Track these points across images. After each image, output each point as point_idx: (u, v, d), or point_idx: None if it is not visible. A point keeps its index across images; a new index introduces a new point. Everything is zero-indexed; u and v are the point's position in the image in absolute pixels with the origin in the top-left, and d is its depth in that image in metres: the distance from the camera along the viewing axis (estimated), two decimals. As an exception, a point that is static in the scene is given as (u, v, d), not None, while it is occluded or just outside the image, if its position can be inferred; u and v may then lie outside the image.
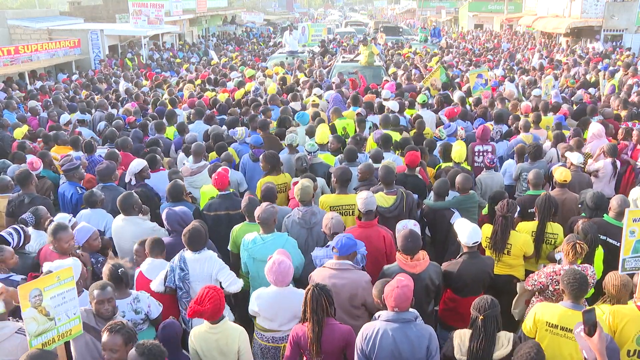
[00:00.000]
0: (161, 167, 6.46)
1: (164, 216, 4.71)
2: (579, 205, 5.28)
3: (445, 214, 5.20)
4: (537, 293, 4.29)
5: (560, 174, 5.55)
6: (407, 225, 4.56)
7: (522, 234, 4.81)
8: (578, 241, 4.04)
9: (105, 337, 3.09)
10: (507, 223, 4.67)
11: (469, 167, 6.65)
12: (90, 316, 3.48)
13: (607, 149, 6.60)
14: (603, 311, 3.50)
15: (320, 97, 10.05)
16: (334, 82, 11.61)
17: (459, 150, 6.30)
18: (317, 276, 3.98)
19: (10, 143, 8.05)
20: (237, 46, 28.53)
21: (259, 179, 6.05)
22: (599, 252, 4.52)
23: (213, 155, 7.05)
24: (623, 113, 9.02)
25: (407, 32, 31.54)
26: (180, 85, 13.49)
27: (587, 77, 13.97)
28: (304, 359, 3.62)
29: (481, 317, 3.23)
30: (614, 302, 3.71)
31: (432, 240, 5.58)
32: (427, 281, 3.99)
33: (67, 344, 3.43)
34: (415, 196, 5.44)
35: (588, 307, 3.20)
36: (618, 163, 6.65)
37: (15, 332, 3.32)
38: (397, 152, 6.88)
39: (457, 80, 12.99)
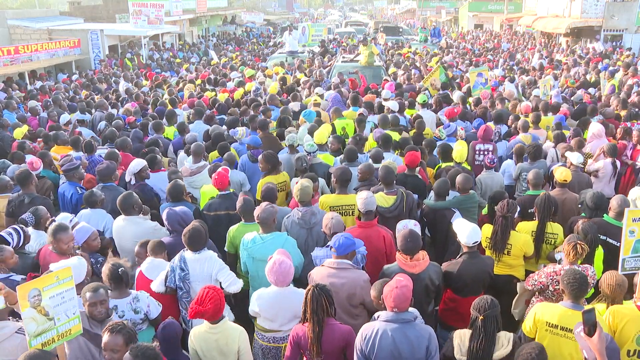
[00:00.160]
0: (161, 168, 6.46)
1: (164, 216, 4.71)
2: (579, 206, 5.28)
3: (445, 214, 5.20)
4: (537, 293, 4.29)
5: (561, 173, 5.55)
6: (407, 225, 4.56)
7: (522, 234, 4.81)
8: (579, 242, 4.04)
9: (106, 337, 3.08)
10: (507, 223, 4.67)
11: (469, 167, 6.65)
12: (83, 318, 3.47)
13: (607, 149, 6.61)
14: (597, 310, 3.49)
15: (321, 97, 10.05)
16: (334, 82, 11.61)
17: (460, 150, 6.30)
18: (316, 275, 3.99)
19: (10, 143, 8.05)
20: (237, 46, 28.53)
21: (258, 179, 6.05)
22: (599, 252, 4.52)
23: (214, 155, 7.05)
24: (623, 113, 9.02)
25: (407, 32, 31.54)
26: (180, 85, 13.49)
27: (587, 77, 13.97)
28: (304, 359, 3.62)
29: (481, 317, 3.23)
30: (609, 301, 3.71)
31: (432, 240, 5.58)
32: (426, 281, 3.99)
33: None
34: (415, 196, 5.44)
35: (588, 307, 3.20)
36: (618, 163, 6.66)
37: (15, 332, 3.33)
38: (396, 152, 6.88)
39: (457, 80, 12.98)
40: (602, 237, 4.69)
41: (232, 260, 4.82)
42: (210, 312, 3.37)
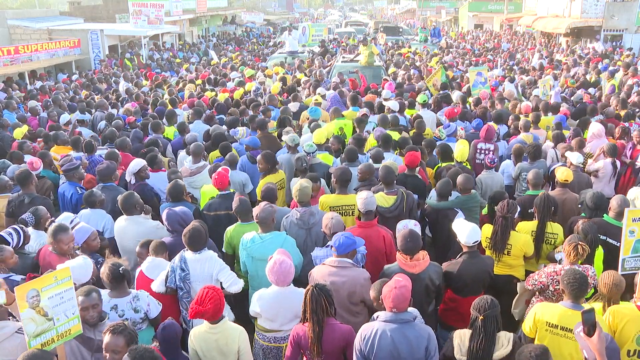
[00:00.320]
0: (162, 167, 6.46)
1: (164, 216, 4.71)
2: (579, 206, 5.28)
3: (448, 214, 5.19)
4: (537, 293, 4.29)
5: (562, 173, 5.54)
6: (408, 225, 4.56)
7: (522, 235, 4.81)
8: (580, 242, 4.03)
9: (107, 338, 3.08)
10: (507, 223, 4.67)
11: (469, 166, 6.65)
12: None
13: (607, 148, 6.60)
14: (593, 307, 3.49)
15: (324, 97, 10.06)
16: (334, 82, 11.62)
17: (461, 149, 6.31)
18: (317, 274, 3.99)
19: (10, 143, 8.05)
20: (237, 46, 28.53)
21: (258, 179, 6.05)
22: (599, 252, 4.52)
23: (214, 155, 7.05)
24: (623, 113, 9.02)
25: (407, 32, 31.55)
26: (180, 85, 13.49)
27: (587, 77, 13.97)
28: (304, 359, 3.62)
29: (481, 317, 3.23)
30: (605, 300, 3.71)
31: (433, 240, 5.58)
32: (427, 281, 3.99)
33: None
34: (415, 196, 5.44)
35: (587, 307, 3.20)
36: (618, 163, 6.65)
37: (16, 332, 3.32)
38: (396, 151, 6.88)
39: (458, 80, 12.98)
40: (602, 237, 4.68)
41: (229, 261, 4.81)
42: (210, 312, 3.37)
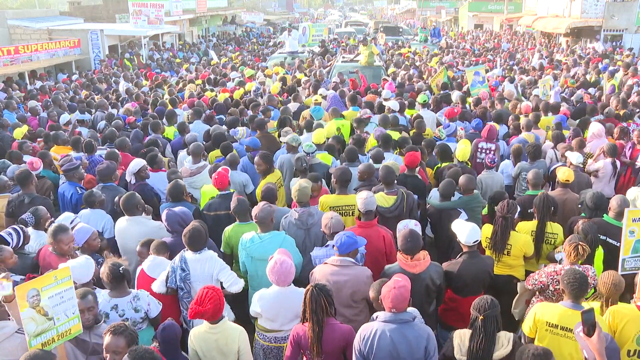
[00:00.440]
0: (162, 167, 6.46)
1: (163, 217, 4.70)
2: (579, 206, 5.28)
3: (452, 214, 5.19)
4: (537, 293, 4.29)
5: (563, 173, 5.54)
6: (408, 225, 4.56)
7: (522, 235, 4.80)
8: (580, 242, 4.03)
9: (108, 339, 3.08)
10: (507, 224, 4.67)
11: (470, 165, 6.66)
12: None
13: (607, 148, 6.60)
14: (592, 307, 3.48)
15: (325, 97, 10.06)
16: (334, 82, 11.62)
17: (463, 149, 6.31)
18: (319, 273, 4.00)
19: (10, 143, 8.05)
20: (237, 46, 28.53)
21: (258, 180, 6.05)
22: (599, 253, 4.51)
23: (213, 154, 7.05)
24: (622, 113, 9.02)
25: (407, 32, 31.55)
26: (181, 85, 13.49)
27: (587, 77, 13.97)
28: (304, 359, 3.62)
29: (481, 317, 3.23)
30: (603, 300, 3.72)
31: (436, 241, 5.58)
32: (427, 281, 3.99)
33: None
34: (415, 197, 5.44)
35: (587, 308, 3.20)
36: (618, 163, 6.65)
37: (16, 331, 3.32)
38: (396, 151, 6.88)
39: (459, 80, 12.98)
40: (601, 237, 4.68)
41: (228, 261, 4.81)
42: (210, 312, 3.37)
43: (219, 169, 5.40)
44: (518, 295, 4.53)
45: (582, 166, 6.33)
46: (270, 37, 33.30)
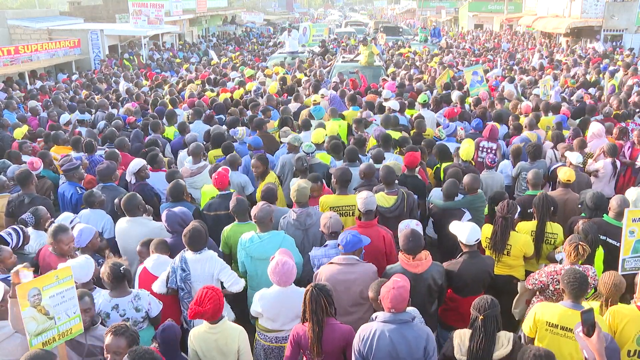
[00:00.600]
0: (162, 167, 6.45)
1: (163, 217, 4.70)
2: (579, 206, 5.28)
3: (456, 214, 5.19)
4: (537, 293, 4.29)
5: (565, 173, 5.54)
6: (410, 225, 4.56)
7: (522, 235, 4.80)
8: (580, 242, 4.03)
9: (109, 339, 3.08)
10: (507, 224, 4.67)
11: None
12: None
13: (607, 148, 6.60)
14: (592, 307, 3.49)
15: (325, 97, 10.05)
16: (334, 82, 11.62)
17: (467, 148, 6.32)
18: (326, 273, 4.00)
19: (10, 143, 8.05)
20: (237, 46, 28.52)
21: (257, 182, 6.04)
22: (599, 253, 4.51)
23: (212, 153, 7.05)
24: (621, 112, 9.02)
25: (407, 32, 31.55)
26: (180, 85, 13.49)
27: (587, 77, 13.97)
28: (304, 359, 3.62)
29: (481, 317, 3.23)
30: (603, 300, 3.72)
31: (439, 241, 5.57)
32: (429, 281, 4.00)
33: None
34: (415, 197, 5.44)
35: (587, 307, 3.20)
36: (618, 163, 6.65)
37: (16, 331, 3.32)
38: (396, 150, 6.89)
39: (460, 80, 12.99)
40: (601, 237, 4.68)
41: (227, 261, 4.81)
42: (210, 312, 3.37)
43: (219, 169, 5.40)
44: (518, 295, 4.53)
45: (582, 166, 6.33)
46: (270, 37, 33.28)
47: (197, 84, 13.00)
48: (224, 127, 8.20)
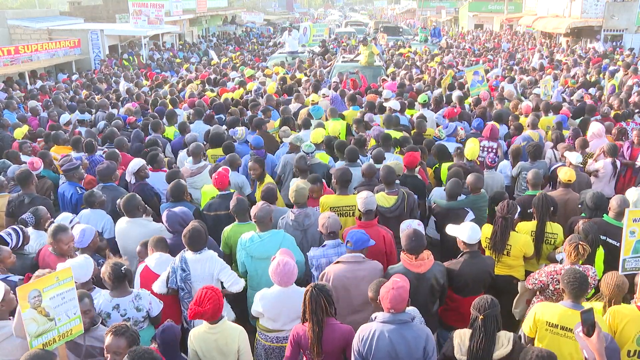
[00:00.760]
0: (162, 167, 6.45)
1: (163, 217, 4.70)
2: (579, 206, 5.28)
3: (459, 214, 5.19)
4: (537, 293, 4.29)
5: (565, 173, 5.55)
6: (411, 225, 4.55)
7: (522, 235, 4.80)
8: (581, 242, 4.03)
9: (109, 339, 3.08)
10: (507, 224, 4.67)
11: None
12: None
13: (607, 148, 6.60)
14: (594, 307, 3.49)
15: (326, 96, 10.06)
16: (334, 82, 11.62)
17: (471, 148, 6.32)
18: (334, 272, 4.00)
19: (10, 143, 8.05)
20: (237, 46, 28.53)
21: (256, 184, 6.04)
22: (600, 253, 4.51)
23: (210, 152, 7.04)
24: (621, 112, 9.02)
25: (407, 32, 31.56)
26: (181, 85, 13.49)
27: (587, 77, 13.97)
28: (304, 359, 3.62)
29: (481, 316, 3.23)
30: (605, 300, 3.72)
31: (442, 241, 5.56)
32: (432, 281, 4.00)
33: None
34: (415, 197, 5.44)
35: (586, 307, 3.20)
36: (618, 163, 6.65)
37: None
38: (396, 150, 6.89)
39: (461, 80, 13.00)
40: (602, 237, 4.68)
41: (227, 261, 4.81)
42: (210, 312, 3.37)
43: (219, 169, 5.40)
44: (519, 295, 4.53)
45: (581, 166, 6.32)
46: (270, 37, 33.29)
47: (197, 83, 13.00)
48: (224, 127, 8.20)
